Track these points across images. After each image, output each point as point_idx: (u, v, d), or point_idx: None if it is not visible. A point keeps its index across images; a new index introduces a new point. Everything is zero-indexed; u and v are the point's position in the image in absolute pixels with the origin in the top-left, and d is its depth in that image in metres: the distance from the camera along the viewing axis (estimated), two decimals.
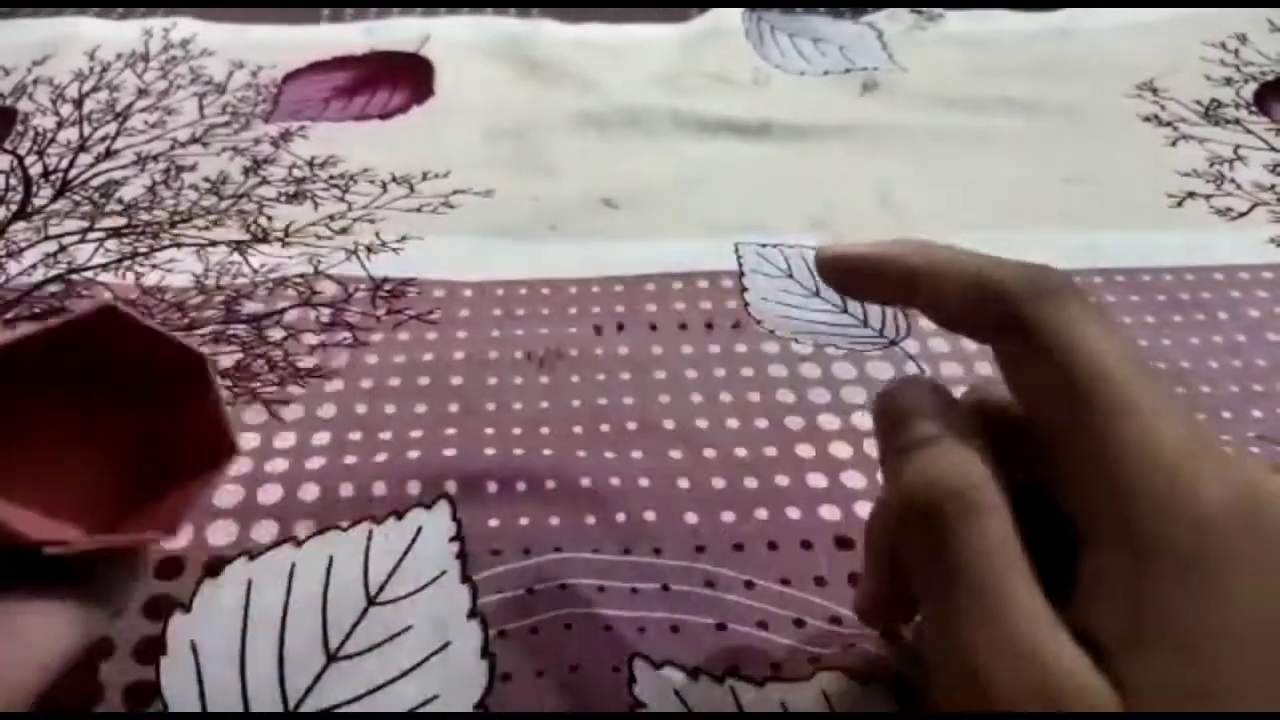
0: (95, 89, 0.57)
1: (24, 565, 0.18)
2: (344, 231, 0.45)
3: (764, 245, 0.44)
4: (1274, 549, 0.16)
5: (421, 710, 0.26)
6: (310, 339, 0.39)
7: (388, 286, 0.42)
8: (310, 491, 0.32)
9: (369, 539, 0.31)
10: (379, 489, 0.32)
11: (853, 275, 0.22)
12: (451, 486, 0.32)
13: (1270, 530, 0.16)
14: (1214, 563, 0.16)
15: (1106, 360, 0.17)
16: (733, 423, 0.35)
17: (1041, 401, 0.19)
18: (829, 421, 0.35)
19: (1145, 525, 0.16)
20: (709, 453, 0.34)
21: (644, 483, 0.33)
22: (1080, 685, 0.16)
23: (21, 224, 0.46)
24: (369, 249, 0.44)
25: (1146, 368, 0.18)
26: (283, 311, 0.40)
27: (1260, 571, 0.16)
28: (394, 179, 0.49)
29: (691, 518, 0.32)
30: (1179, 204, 0.47)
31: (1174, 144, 0.51)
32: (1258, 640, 0.15)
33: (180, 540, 0.30)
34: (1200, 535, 0.16)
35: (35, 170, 0.50)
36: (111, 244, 0.45)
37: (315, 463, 0.34)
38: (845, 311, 0.40)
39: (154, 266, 0.43)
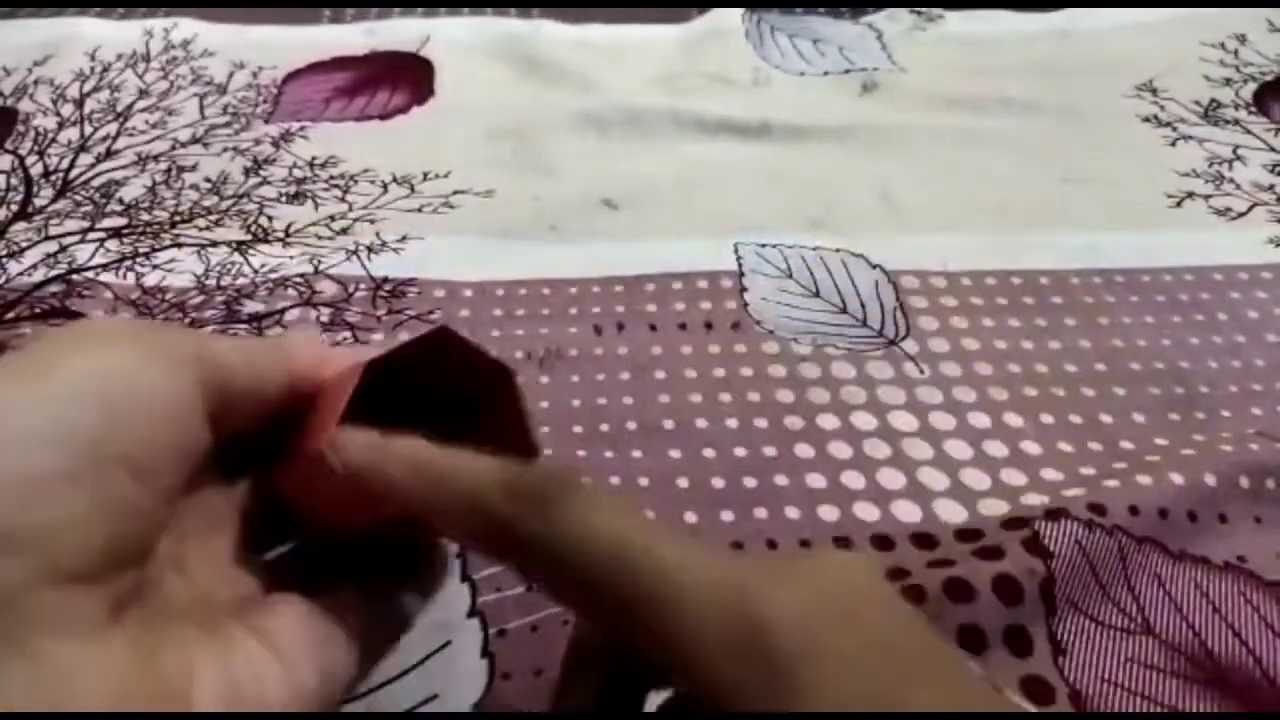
0: (96, 89, 0.57)
1: (346, 561, 0.21)
2: (344, 231, 0.45)
3: (763, 245, 0.44)
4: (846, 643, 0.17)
5: (421, 710, 0.26)
6: None
7: (388, 286, 0.42)
8: None
9: None
10: None
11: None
12: None
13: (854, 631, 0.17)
14: (799, 680, 0.16)
15: (611, 543, 0.18)
16: (732, 423, 0.35)
17: (579, 599, 0.19)
18: (828, 421, 0.35)
19: (726, 668, 0.17)
20: (708, 452, 0.34)
21: (644, 482, 0.33)
22: None
23: (22, 224, 0.46)
24: (369, 249, 0.44)
25: (641, 520, 0.18)
26: (283, 311, 0.41)
27: (839, 672, 0.17)
28: (394, 179, 0.49)
29: (691, 517, 0.32)
30: (1178, 204, 0.47)
31: (1173, 144, 0.51)
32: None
33: None
34: (776, 659, 0.17)
35: (36, 170, 0.50)
36: (112, 244, 0.45)
37: None
38: (844, 311, 0.41)
39: (155, 266, 0.43)
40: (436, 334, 0.21)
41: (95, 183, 0.49)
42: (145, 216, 0.46)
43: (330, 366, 0.22)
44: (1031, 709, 0.25)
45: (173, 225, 0.46)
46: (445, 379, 0.22)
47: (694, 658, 0.17)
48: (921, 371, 0.37)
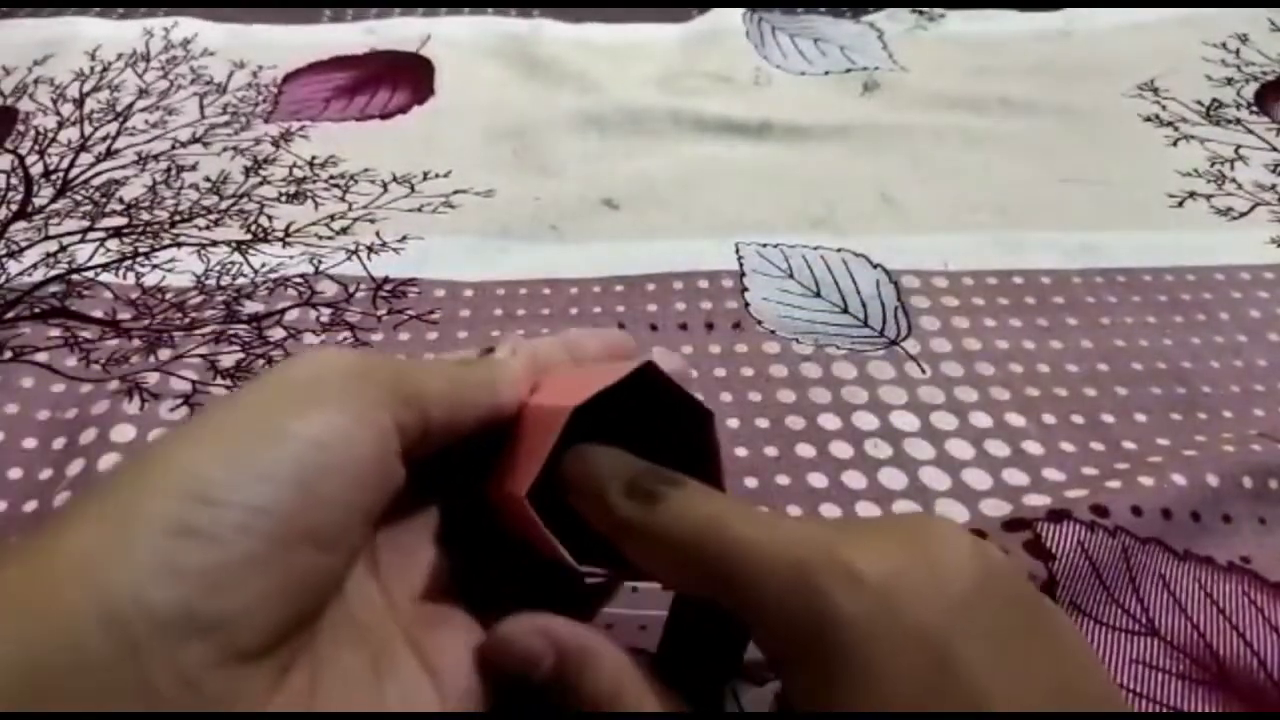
0: (96, 89, 0.57)
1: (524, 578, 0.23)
2: (344, 231, 0.45)
3: (764, 245, 0.44)
4: (908, 643, 0.17)
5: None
6: (311, 339, 0.39)
7: (388, 286, 0.42)
8: None
9: None
10: None
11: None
12: None
13: (903, 625, 0.17)
14: (856, 667, 0.17)
15: (712, 527, 0.19)
16: (733, 422, 0.35)
17: (678, 579, 0.20)
18: (829, 421, 0.35)
19: (790, 646, 0.18)
20: None
21: None
22: None
23: (22, 224, 0.46)
24: (370, 249, 0.44)
25: (740, 510, 0.20)
26: (283, 311, 0.40)
27: (899, 664, 0.17)
28: (395, 179, 0.49)
29: None
30: (1180, 204, 0.47)
31: (1175, 144, 0.51)
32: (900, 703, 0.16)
33: None
34: (839, 643, 0.17)
35: (36, 170, 0.50)
36: (112, 244, 0.45)
37: None
38: (845, 311, 0.40)
39: (155, 266, 0.43)
40: (643, 369, 0.22)
41: (95, 182, 0.49)
42: (145, 216, 0.46)
43: (541, 382, 0.23)
44: None
45: (173, 225, 0.46)
46: (644, 411, 0.23)
47: (767, 641, 0.18)
48: (923, 371, 0.37)
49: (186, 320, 0.40)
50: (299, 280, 0.42)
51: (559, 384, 0.23)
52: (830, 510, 0.32)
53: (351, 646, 0.20)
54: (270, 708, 0.17)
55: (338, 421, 0.18)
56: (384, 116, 0.55)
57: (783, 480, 0.33)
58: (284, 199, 0.48)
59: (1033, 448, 0.34)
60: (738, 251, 0.44)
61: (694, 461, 0.22)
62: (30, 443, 0.35)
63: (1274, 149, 0.50)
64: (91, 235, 0.45)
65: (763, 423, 0.35)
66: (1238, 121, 0.53)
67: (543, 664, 0.20)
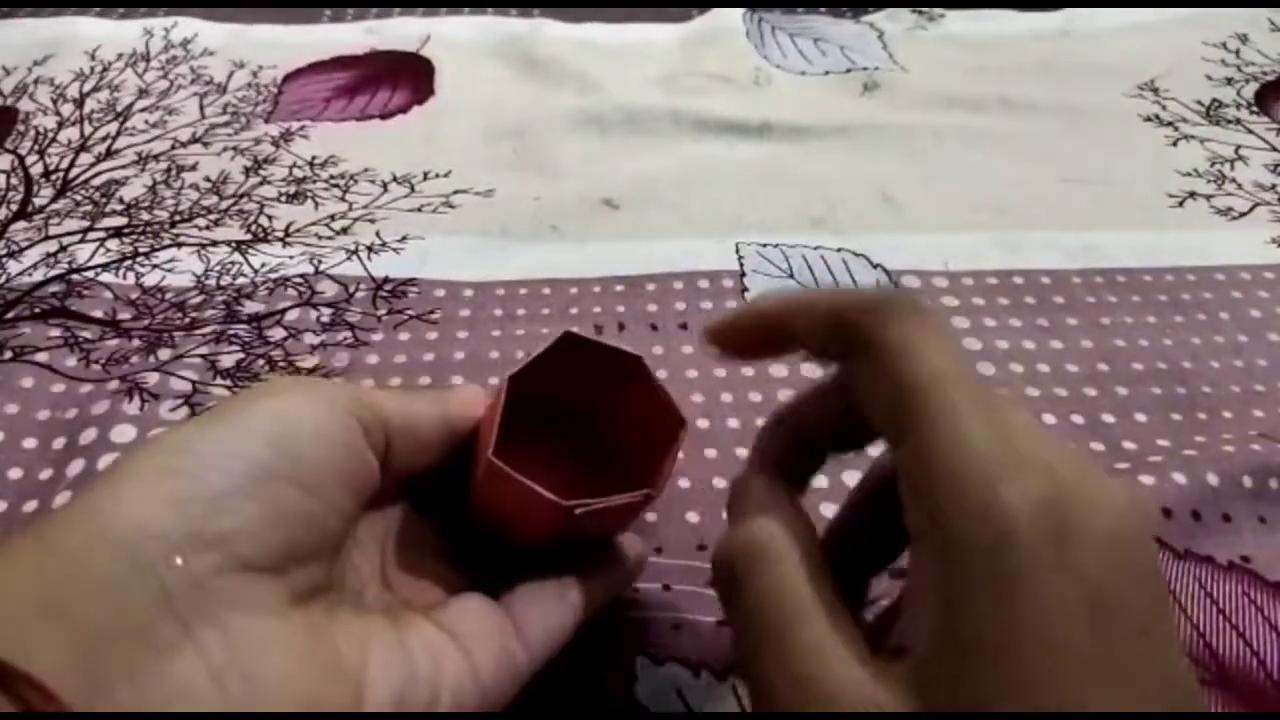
0: (96, 89, 0.57)
1: (517, 562, 0.25)
2: (345, 231, 0.45)
3: (765, 245, 0.44)
4: (1075, 558, 0.16)
5: None
6: (311, 339, 0.39)
7: (388, 286, 0.42)
8: None
9: None
10: None
11: (734, 341, 0.24)
12: None
13: (1073, 540, 0.16)
14: (1017, 571, 0.16)
15: (930, 370, 0.18)
16: (734, 422, 0.35)
17: (879, 416, 0.20)
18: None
19: (952, 534, 0.17)
20: (710, 452, 0.34)
21: None
22: (856, 699, 0.17)
23: (22, 224, 0.46)
24: (370, 249, 0.44)
25: (970, 377, 0.19)
26: (283, 311, 0.40)
27: (1062, 580, 0.16)
28: (395, 179, 0.49)
29: (693, 517, 0.32)
30: (1180, 204, 0.47)
31: (1175, 144, 0.51)
32: (1057, 644, 0.16)
33: None
34: (1004, 544, 0.16)
35: (36, 170, 0.50)
36: (112, 244, 0.45)
37: None
38: None
39: (155, 266, 0.43)
40: (563, 338, 0.25)
41: (95, 182, 0.49)
42: (145, 216, 0.46)
43: (483, 404, 0.26)
44: None
45: (173, 225, 0.46)
46: (577, 376, 0.26)
47: (936, 512, 0.17)
48: None
49: (186, 320, 0.40)
50: (299, 280, 0.42)
51: (495, 392, 0.25)
52: (832, 510, 0.32)
53: (370, 611, 0.22)
54: (289, 617, 0.20)
55: (299, 400, 0.22)
56: (384, 116, 0.55)
57: None
58: (284, 199, 0.48)
59: None
60: (738, 251, 0.44)
61: (646, 406, 0.25)
62: (30, 443, 0.35)
63: (1274, 149, 0.50)
64: (91, 235, 0.45)
65: (763, 423, 0.35)
66: (1238, 121, 0.53)
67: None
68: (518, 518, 0.24)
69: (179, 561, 0.18)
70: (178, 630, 0.18)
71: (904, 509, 0.18)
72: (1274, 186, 0.48)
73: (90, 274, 0.43)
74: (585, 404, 0.27)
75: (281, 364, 0.38)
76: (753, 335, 0.23)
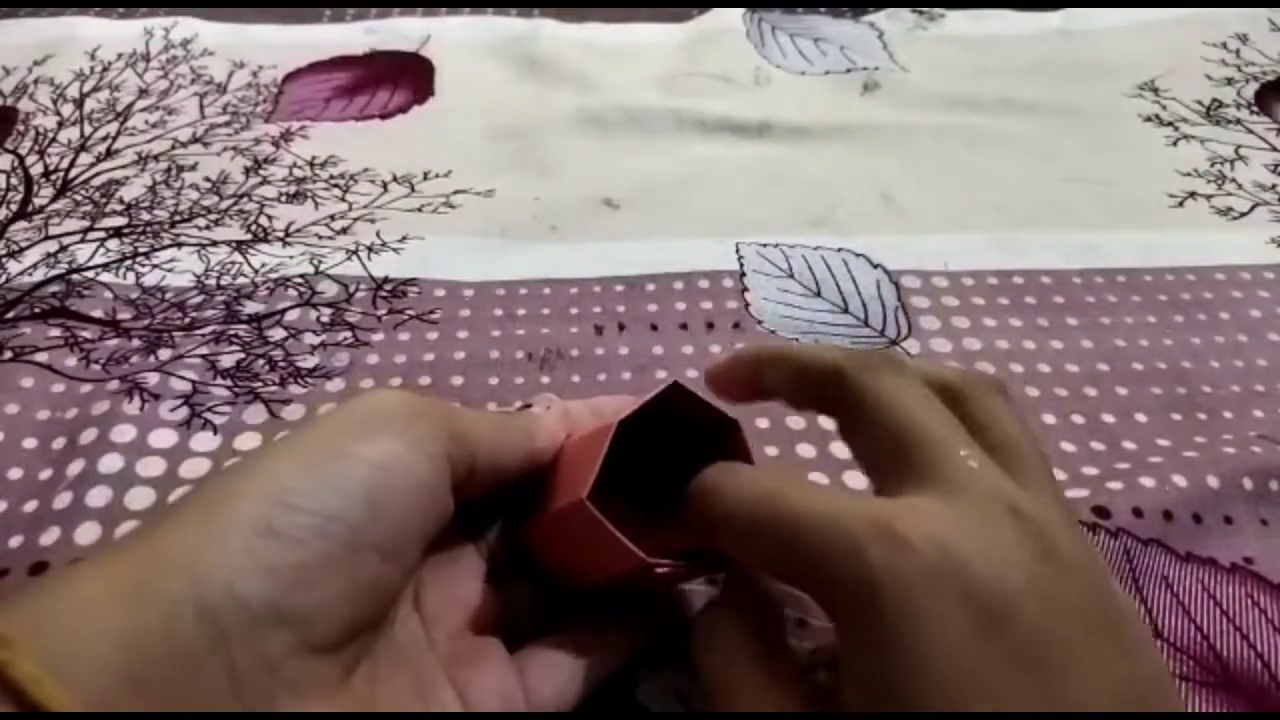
0: (96, 89, 0.57)
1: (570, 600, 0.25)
2: (345, 231, 0.45)
3: (765, 245, 0.44)
4: (954, 605, 0.17)
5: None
6: (311, 339, 0.39)
7: (388, 286, 0.42)
8: None
9: None
10: None
11: (726, 385, 0.26)
12: None
13: (951, 589, 0.17)
14: (903, 630, 0.17)
15: (909, 412, 0.21)
16: None
17: (870, 467, 0.22)
18: (830, 421, 0.35)
19: (842, 613, 0.19)
20: None
21: None
22: None
23: (22, 224, 0.46)
24: (370, 249, 0.44)
25: (932, 421, 0.21)
26: (283, 311, 0.40)
27: (947, 624, 0.17)
28: (395, 179, 0.49)
29: None
30: (1180, 204, 0.47)
31: (1175, 144, 0.51)
32: (945, 691, 0.17)
33: None
34: (885, 609, 0.18)
35: (36, 170, 0.50)
36: (112, 244, 0.45)
37: None
38: (846, 311, 0.40)
39: (155, 266, 0.43)
40: (671, 388, 0.24)
41: (95, 182, 0.49)
42: (145, 216, 0.46)
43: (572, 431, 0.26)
44: None
45: (173, 225, 0.46)
46: (677, 428, 0.25)
47: (824, 607, 0.19)
48: None
49: (186, 320, 0.40)
50: (299, 280, 0.42)
51: (588, 430, 0.25)
52: (808, 450, 0.32)
53: (399, 667, 0.22)
54: (337, 700, 0.19)
55: (397, 448, 0.21)
56: (384, 116, 0.55)
57: None
58: (284, 199, 0.48)
59: None
60: (738, 251, 0.44)
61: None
62: (30, 443, 0.34)
63: (1274, 149, 0.50)
64: (91, 235, 0.45)
65: (763, 423, 0.35)
66: (1238, 121, 0.53)
67: None
68: (586, 561, 0.23)
69: (252, 640, 0.18)
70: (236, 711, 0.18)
71: None
72: (1274, 186, 0.48)
73: (90, 274, 0.43)
74: (664, 454, 0.26)
75: (282, 364, 0.38)
76: (740, 381, 0.26)
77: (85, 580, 0.18)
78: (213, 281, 0.42)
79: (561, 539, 0.24)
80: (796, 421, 0.35)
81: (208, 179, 0.49)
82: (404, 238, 0.45)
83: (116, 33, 0.62)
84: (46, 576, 0.19)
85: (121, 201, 0.47)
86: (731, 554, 0.22)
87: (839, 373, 0.22)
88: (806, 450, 0.34)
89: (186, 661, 0.17)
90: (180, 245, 0.44)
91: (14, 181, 0.49)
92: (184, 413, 0.35)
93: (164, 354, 0.38)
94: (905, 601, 0.17)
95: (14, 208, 0.47)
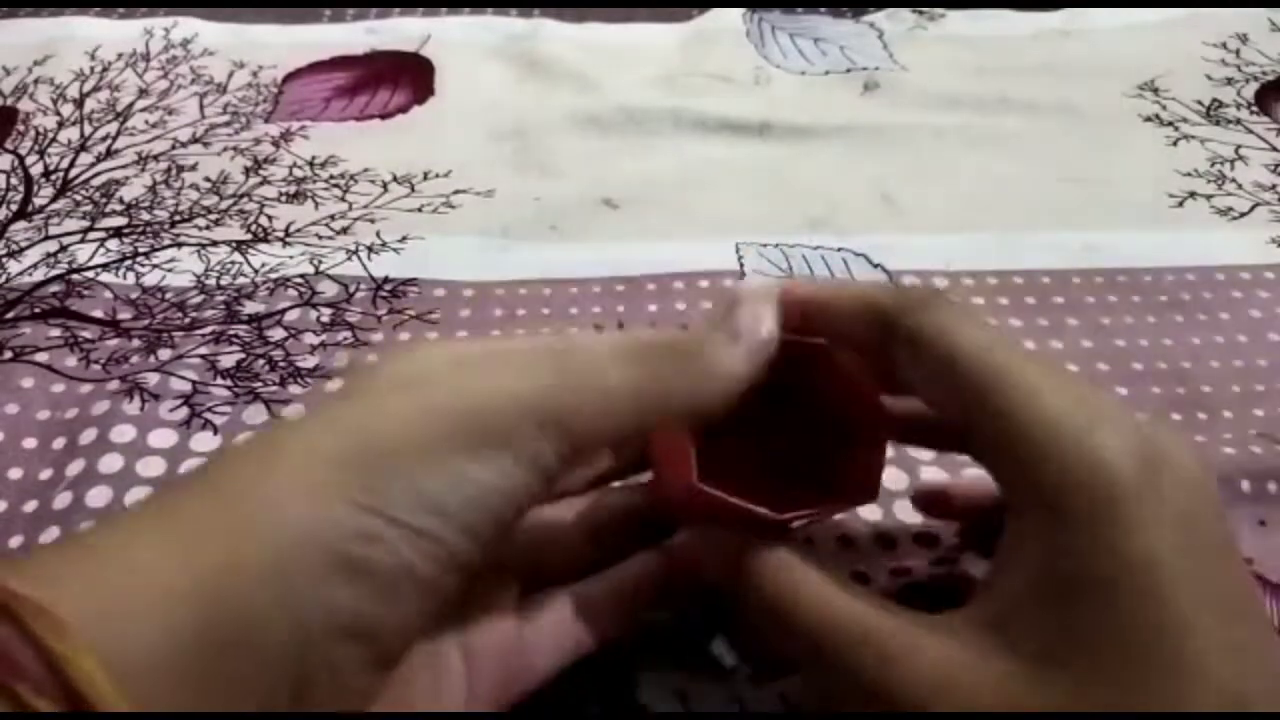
0: (96, 89, 0.57)
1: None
2: (345, 231, 0.45)
3: (765, 245, 0.44)
4: (1173, 498, 0.18)
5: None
6: (311, 339, 0.39)
7: (388, 286, 0.42)
8: None
9: None
10: None
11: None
12: None
13: (1169, 481, 0.18)
14: (1119, 516, 0.17)
15: (985, 351, 0.20)
16: None
17: (938, 397, 0.21)
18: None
19: (1051, 487, 0.18)
20: None
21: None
22: (936, 657, 0.18)
23: (22, 223, 0.46)
24: (370, 249, 0.44)
25: (1022, 351, 0.20)
26: (283, 311, 0.40)
27: (1160, 521, 0.17)
28: (395, 179, 0.49)
29: None
30: (1180, 204, 0.47)
31: (1175, 144, 0.51)
32: (1156, 587, 0.17)
33: None
34: (1104, 490, 0.18)
35: (36, 170, 0.50)
36: (112, 244, 0.45)
37: None
38: None
39: (155, 266, 0.43)
40: (819, 349, 0.23)
41: (95, 182, 0.49)
42: (145, 216, 0.46)
43: None
44: None
45: (173, 225, 0.46)
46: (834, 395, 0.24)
47: (1031, 470, 0.18)
48: None
49: (186, 320, 0.40)
50: (299, 280, 0.42)
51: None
52: None
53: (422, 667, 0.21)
54: (376, 702, 0.19)
55: (512, 471, 0.19)
56: (384, 116, 0.55)
57: None
58: (284, 199, 0.48)
59: None
60: (738, 251, 0.44)
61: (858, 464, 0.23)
62: (30, 443, 0.35)
63: (1274, 149, 0.50)
64: (91, 235, 0.45)
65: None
66: (1238, 121, 0.53)
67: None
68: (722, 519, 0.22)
69: (330, 647, 0.17)
70: None
71: (992, 474, 0.20)
72: (1274, 186, 0.48)
73: (90, 274, 0.43)
74: (770, 404, 0.24)
75: (282, 364, 0.38)
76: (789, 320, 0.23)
77: (149, 553, 0.17)
78: (213, 281, 0.42)
79: (688, 512, 0.24)
80: None
81: (208, 179, 0.49)
82: (404, 238, 0.45)
83: (116, 33, 0.62)
84: (97, 535, 0.18)
85: (121, 201, 0.47)
86: (933, 401, 0.21)
87: (892, 314, 0.21)
88: None
89: (262, 667, 0.17)
90: (180, 245, 0.44)
91: (14, 181, 0.49)
92: (184, 413, 0.35)
93: (164, 354, 0.38)
94: (1130, 485, 0.17)
95: (14, 208, 0.47)
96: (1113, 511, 0.17)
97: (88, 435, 0.34)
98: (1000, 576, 0.19)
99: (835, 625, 0.19)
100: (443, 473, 0.18)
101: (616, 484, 0.27)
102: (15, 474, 0.33)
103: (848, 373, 0.23)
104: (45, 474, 0.33)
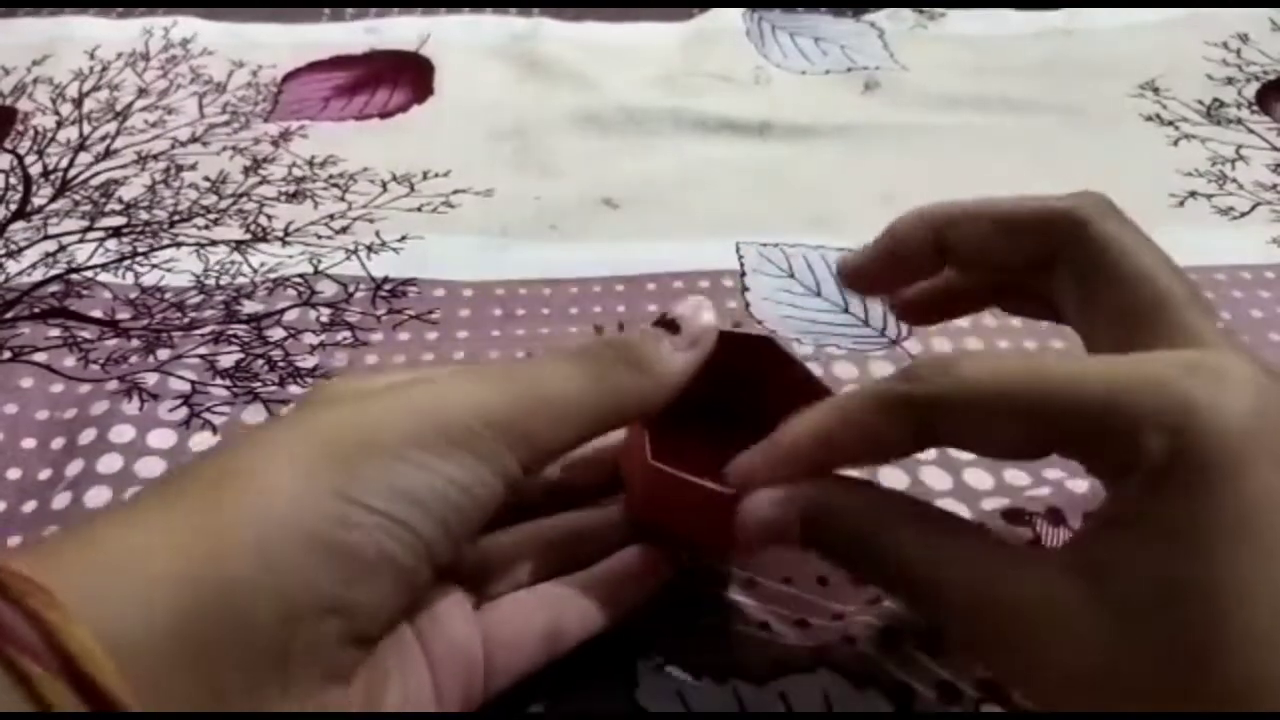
0: (95, 88, 0.57)
1: None
2: (344, 231, 0.45)
3: (765, 244, 0.44)
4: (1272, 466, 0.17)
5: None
6: (310, 339, 0.39)
7: (388, 286, 0.42)
8: None
9: None
10: None
11: (874, 266, 0.26)
12: None
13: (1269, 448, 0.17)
14: (1229, 480, 0.16)
15: (1153, 267, 0.22)
16: None
17: (1098, 319, 0.22)
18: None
19: (1147, 458, 0.17)
20: None
21: None
22: (1034, 590, 0.18)
23: (21, 223, 0.46)
24: (369, 249, 0.44)
25: (1181, 279, 0.22)
26: (283, 311, 0.40)
27: (1270, 473, 0.16)
28: (394, 178, 0.49)
29: None
30: (1180, 204, 0.47)
31: (1176, 143, 0.51)
32: (1262, 538, 0.16)
33: None
34: (1212, 462, 0.17)
35: (35, 170, 0.50)
36: (111, 243, 0.44)
37: None
38: (846, 311, 0.40)
39: (154, 266, 0.43)
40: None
41: (94, 182, 0.49)
42: (144, 216, 0.46)
43: None
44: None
45: (172, 225, 0.46)
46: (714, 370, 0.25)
47: (1123, 431, 0.17)
48: None
49: (186, 320, 0.40)
50: (298, 280, 0.42)
51: None
52: None
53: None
54: (348, 684, 0.19)
55: (480, 472, 0.20)
56: (384, 116, 0.55)
57: None
58: (283, 199, 0.48)
59: None
60: (738, 251, 0.44)
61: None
62: (29, 443, 0.34)
63: (1275, 149, 0.50)
64: (91, 235, 0.45)
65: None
66: (1239, 121, 0.53)
67: (791, 531, 0.21)
68: (683, 517, 0.24)
69: (312, 623, 0.18)
70: (276, 694, 0.18)
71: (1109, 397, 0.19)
72: (1275, 186, 0.48)
73: (89, 274, 0.43)
74: (725, 397, 0.26)
75: (281, 364, 0.38)
76: (904, 256, 0.25)
77: (143, 537, 0.18)
78: (212, 281, 0.42)
79: (651, 506, 0.24)
80: None
81: (207, 179, 0.49)
82: (403, 237, 0.45)
83: (115, 32, 0.62)
84: (96, 524, 0.19)
85: (120, 201, 0.47)
86: (983, 449, 0.20)
87: (1078, 221, 0.22)
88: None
89: (249, 643, 0.17)
90: (179, 245, 0.44)
91: (13, 181, 0.49)
92: (183, 413, 0.35)
93: (163, 354, 0.38)
94: (1236, 448, 0.17)
95: (13, 207, 0.47)
96: (1220, 471, 0.17)
97: (87, 435, 0.34)
98: (1101, 527, 0.18)
99: (928, 546, 0.20)
100: (418, 468, 0.20)
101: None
102: (14, 474, 0.33)
103: (791, 359, 0.25)
104: (44, 474, 0.33)
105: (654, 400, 0.23)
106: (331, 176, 0.49)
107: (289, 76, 0.58)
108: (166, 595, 0.17)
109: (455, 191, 0.48)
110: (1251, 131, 0.52)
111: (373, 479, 0.19)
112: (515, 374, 0.22)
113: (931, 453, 0.34)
